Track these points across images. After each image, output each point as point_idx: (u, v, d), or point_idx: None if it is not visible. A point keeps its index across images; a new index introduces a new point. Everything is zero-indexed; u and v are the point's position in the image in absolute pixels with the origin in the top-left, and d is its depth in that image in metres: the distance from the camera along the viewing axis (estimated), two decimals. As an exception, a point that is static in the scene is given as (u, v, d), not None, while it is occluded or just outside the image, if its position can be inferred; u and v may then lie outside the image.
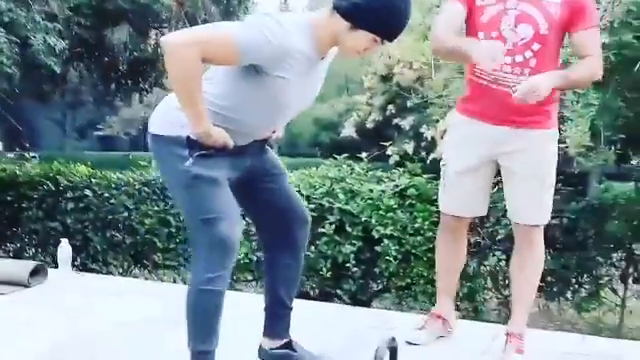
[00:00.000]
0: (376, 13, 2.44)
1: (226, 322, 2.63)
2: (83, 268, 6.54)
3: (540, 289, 6.13)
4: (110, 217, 6.66)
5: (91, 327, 3.55)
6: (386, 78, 22.45)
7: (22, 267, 4.34)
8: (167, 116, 2.62)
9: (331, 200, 5.84)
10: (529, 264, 3.21)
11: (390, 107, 22.16)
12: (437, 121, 22.07)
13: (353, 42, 2.54)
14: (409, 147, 21.24)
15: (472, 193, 3.23)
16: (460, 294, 5.42)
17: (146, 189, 6.75)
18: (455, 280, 3.52)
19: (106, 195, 6.71)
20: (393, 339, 2.56)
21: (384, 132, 22.30)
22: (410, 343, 3.27)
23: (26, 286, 4.16)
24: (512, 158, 3.08)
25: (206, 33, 2.42)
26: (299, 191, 6.07)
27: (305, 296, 5.54)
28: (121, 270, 6.72)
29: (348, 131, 23.30)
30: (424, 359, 3.23)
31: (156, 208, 6.65)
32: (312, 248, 6.04)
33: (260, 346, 2.98)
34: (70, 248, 4.57)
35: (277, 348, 2.96)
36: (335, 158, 6.42)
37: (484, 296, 5.78)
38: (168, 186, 2.77)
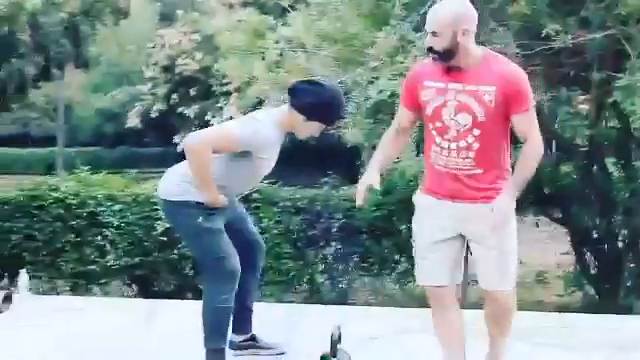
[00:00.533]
0: (323, 109, 3.60)
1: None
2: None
3: (364, 269, 7.42)
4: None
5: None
6: (168, 68, 23.07)
7: None
8: (177, 187, 3.71)
9: None
10: (500, 318, 3.40)
11: (174, 96, 22.71)
12: (221, 108, 22.81)
13: (308, 129, 3.69)
14: (195, 134, 22.10)
15: (442, 263, 3.30)
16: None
17: (6, 207, 7.25)
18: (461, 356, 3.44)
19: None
20: (338, 327, 3.62)
21: (169, 121, 22.88)
22: None
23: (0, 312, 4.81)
24: (473, 231, 3.22)
25: (214, 134, 3.67)
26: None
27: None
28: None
29: (133, 121, 23.52)
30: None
31: (20, 224, 7.16)
32: (175, 251, 6.90)
33: (230, 340, 3.94)
34: (27, 276, 5.23)
35: (244, 340, 3.99)
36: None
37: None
38: (182, 236, 4.02)
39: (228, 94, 20.13)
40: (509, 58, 4.49)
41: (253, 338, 4.10)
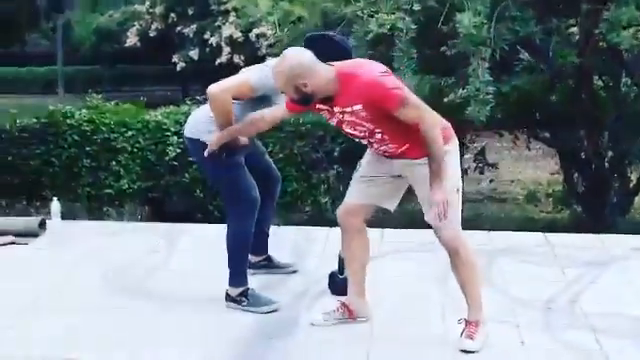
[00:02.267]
0: (334, 61, 3.84)
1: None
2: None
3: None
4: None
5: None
6: (165, -13, 22.96)
7: (31, 221, 5.84)
8: (202, 128, 4.18)
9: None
10: (455, 265, 3.78)
11: (172, 15, 22.69)
12: (219, 27, 22.85)
13: None
14: (194, 54, 22.17)
15: (372, 193, 3.91)
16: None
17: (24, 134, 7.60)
18: (363, 277, 4.08)
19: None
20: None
21: (168, 40, 22.90)
22: (312, 324, 4.08)
23: (37, 235, 5.34)
24: (406, 175, 3.82)
25: (233, 82, 4.06)
26: (168, 129, 7.30)
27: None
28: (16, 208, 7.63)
29: (132, 40, 23.52)
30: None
31: (37, 151, 7.51)
32: (186, 175, 7.30)
33: (249, 261, 4.39)
34: (59, 203, 5.71)
35: (261, 261, 4.48)
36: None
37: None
38: (207, 171, 4.49)
39: (226, 13, 20.21)
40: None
41: (269, 259, 4.65)
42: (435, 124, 3.56)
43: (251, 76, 4.09)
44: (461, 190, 3.79)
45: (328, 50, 3.89)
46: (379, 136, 3.68)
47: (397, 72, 5.78)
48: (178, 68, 22.69)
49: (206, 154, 4.04)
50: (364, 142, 3.83)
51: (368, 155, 3.95)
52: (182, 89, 26.30)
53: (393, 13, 5.92)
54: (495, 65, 5.93)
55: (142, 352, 3.81)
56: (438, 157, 3.54)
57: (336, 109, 3.67)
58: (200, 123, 4.17)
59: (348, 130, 3.75)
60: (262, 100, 4.07)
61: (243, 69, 4.36)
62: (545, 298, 4.40)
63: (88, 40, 25.72)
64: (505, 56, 6.12)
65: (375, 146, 3.78)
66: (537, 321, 4.11)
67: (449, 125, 3.79)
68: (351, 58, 3.98)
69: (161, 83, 27.46)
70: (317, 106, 3.74)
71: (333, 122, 3.79)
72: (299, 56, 3.63)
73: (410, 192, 3.96)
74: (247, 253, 4.29)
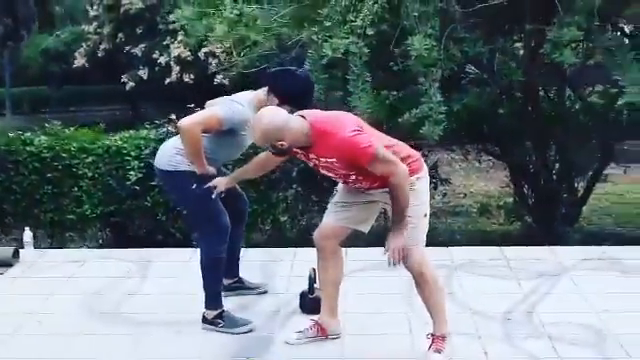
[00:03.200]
0: (296, 96, 4.25)
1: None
2: None
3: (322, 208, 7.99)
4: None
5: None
6: (112, 7, 22.93)
7: (4, 251, 6.01)
8: (172, 159, 4.39)
9: None
10: (423, 291, 4.05)
11: (120, 35, 22.66)
12: (168, 46, 22.85)
13: None
14: (143, 73, 22.16)
15: (347, 217, 4.18)
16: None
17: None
18: (335, 296, 4.34)
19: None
20: (314, 269, 4.28)
21: (117, 60, 22.85)
22: (287, 342, 4.30)
23: (11, 265, 5.48)
24: (380, 199, 4.08)
25: (203, 116, 4.31)
26: (129, 153, 7.38)
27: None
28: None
29: (79, 61, 23.42)
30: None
31: (-1, 178, 7.55)
32: (148, 198, 7.40)
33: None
34: (31, 233, 5.82)
35: (232, 283, 4.66)
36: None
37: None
38: (178, 201, 4.86)
39: (175, 32, 20.25)
40: (450, 16, 5.16)
41: (240, 281, 4.83)
42: (405, 177, 3.79)
43: (219, 110, 4.31)
44: (428, 215, 4.03)
45: (291, 85, 4.13)
46: (353, 178, 3.97)
47: (352, 95, 6.04)
48: (127, 88, 22.65)
49: (216, 192, 4.32)
50: (338, 180, 4.07)
51: (342, 184, 4.19)
52: (131, 108, 26.25)
53: (347, 37, 6.10)
54: (445, 83, 6.18)
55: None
56: (402, 208, 3.80)
57: (311, 156, 3.94)
58: (168, 154, 4.40)
59: (324, 172, 4.03)
60: (230, 133, 4.28)
61: (208, 101, 4.56)
62: (504, 310, 4.67)
63: (35, 61, 25.56)
64: (455, 74, 6.41)
65: (349, 184, 4.05)
66: (497, 332, 4.38)
67: (419, 155, 4.10)
68: (312, 89, 4.23)
69: (110, 103, 27.35)
70: (294, 150, 3.97)
71: (310, 164, 4.07)
72: (274, 118, 3.87)
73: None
74: (221, 277, 4.49)
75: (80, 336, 4.47)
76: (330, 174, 4.03)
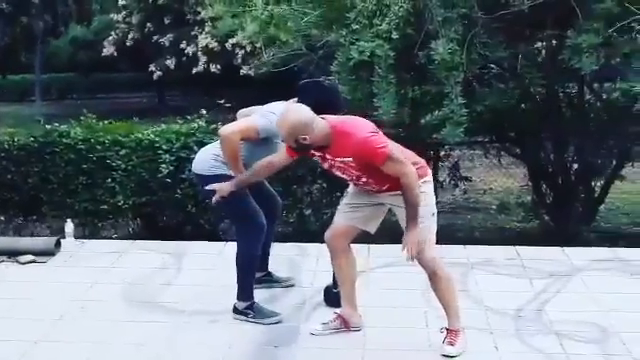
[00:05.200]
0: (325, 106, 4.40)
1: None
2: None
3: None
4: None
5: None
6: (141, -4, 23.26)
7: (48, 241, 6.40)
8: (210, 164, 4.74)
9: (187, 152, 7.37)
10: (437, 288, 4.32)
11: (148, 25, 23.04)
12: (195, 37, 23.14)
13: None
14: (171, 63, 22.50)
15: (356, 217, 4.48)
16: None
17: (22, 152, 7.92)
18: (353, 292, 4.63)
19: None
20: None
21: (144, 49, 23.25)
22: (312, 333, 4.59)
23: (53, 254, 6.09)
24: (387, 202, 4.37)
25: (242, 126, 4.60)
26: (160, 147, 7.61)
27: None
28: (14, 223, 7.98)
29: (108, 50, 23.86)
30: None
31: (35, 169, 7.83)
32: (178, 191, 7.66)
33: (253, 277, 4.93)
34: (72, 224, 6.19)
35: (262, 276, 4.97)
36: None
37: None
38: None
39: (202, 22, 20.56)
40: (473, 21, 5.40)
41: (269, 274, 5.16)
42: (414, 177, 4.08)
43: (257, 121, 4.63)
44: (436, 214, 4.34)
45: (319, 95, 4.42)
46: (364, 180, 4.27)
47: (377, 96, 6.28)
48: (155, 77, 23.04)
49: (214, 200, 4.58)
50: (350, 182, 4.36)
51: (353, 186, 4.49)
52: (158, 96, 26.64)
53: (373, 41, 6.34)
54: (467, 85, 6.41)
55: (166, 356, 4.39)
56: (415, 205, 4.08)
57: (328, 157, 4.25)
58: (207, 160, 4.76)
59: (337, 173, 4.33)
60: (265, 141, 4.60)
61: (241, 110, 4.89)
62: (515, 307, 4.94)
63: (64, 49, 26.05)
64: (476, 77, 6.63)
65: (360, 186, 4.34)
66: (509, 328, 4.66)
67: (424, 162, 4.41)
68: (340, 100, 4.52)
69: (137, 91, 27.79)
70: (312, 152, 4.26)
71: (325, 166, 4.34)
72: (302, 114, 4.17)
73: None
74: (254, 271, 4.81)
75: (121, 322, 4.81)
76: (343, 175, 4.29)
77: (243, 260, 4.72)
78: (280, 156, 4.49)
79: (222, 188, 4.53)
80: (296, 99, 4.65)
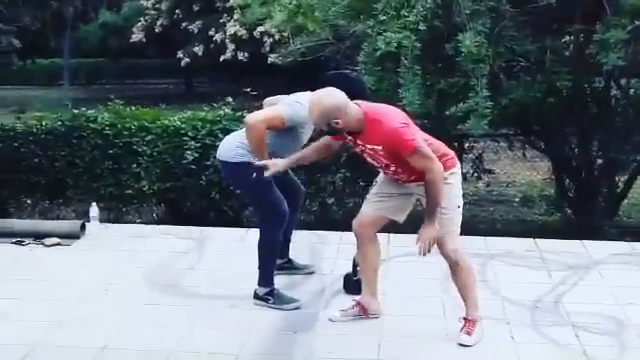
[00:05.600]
0: (349, 97, 4.34)
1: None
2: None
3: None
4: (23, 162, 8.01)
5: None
6: (171, -16, 23.36)
7: (74, 224, 6.56)
8: (235, 151, 4.79)
9: (212, 139, 7.43)
10: (457, 278, 4.38)
11: (177, 11, 23.15)
12: (224, 24, 23.21)
13: None
14: (198, 50, 22.59)
15: (384, 207, 4.51)
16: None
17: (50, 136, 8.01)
18: (375, 280, 4.69)
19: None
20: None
21: (173, 36, 23.36)
22: (330, 319, 4.66)
23: (78, 237, 6.23)
24: (415, 192, 4.41)
25: (268, 114, 4.66)
26: (186, 133, 7.66)
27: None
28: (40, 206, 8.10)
29: (138, 36, 23.99)
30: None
31: (62, 153, 7.92)
32: (203, 177, 7.71)
33: (273, 263, 5.00)
34: (97, 208, 6.27)
35: (282, 263, 5.04)
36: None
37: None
38: (240, 189, 5.30)
39: (231, 10, 20.60)
40: (501, 14, 5.40)
41: (290, 261, 5.23)
42: (440, 174, 4.10)
43: (283, 111, 4.68)
44: (461, 206, 4.37)
45: (346, 87, 4.46)
46: (393, 169, 4.34)
47: (402, 87, 6.30)
48: (182, 64, 23.15)
49: (267, 173, 4.56)
50: (380, 170, 4.40)
51: (382, 176, 4.51)
52: (185, 83, 26.79)
53: (400, 32, 6.36)
54: (494, 78, 6.42)
55: (185, 340, 4.44)
56: (436, 201, 4.12)
57: (359, 142, 4.28)
58: (232, 148, 4.81)
59: (368, 159, 4.36)
60: (291, 130, 4.66)
61: (267, 99, 4.94)
62: (533, 298, 4.98)
63: (94, 34, 26.24)
64: (503, 70, 6.63)
65: (389, 174, 4.36)
66: (525, 319, 4.70)
67: (453, 154, 4.43)
68: (365, 92, 4.56)
69: (164, 77, 27.95)
70: (344, 135, 4.30)
71: (357, 150, 4.37)
72: (334, 97, 4.20)
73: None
74: (275, 258, 4.88)
75: (144, 305, 4.91)
76: (373, 162, 4.33)
77: (265, 247, 4.79)
78: (326, 139, 4.51)
79: (277, 164, 4.51)
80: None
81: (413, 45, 6.27)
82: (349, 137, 4.32)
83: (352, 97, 4.37)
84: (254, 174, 4.57)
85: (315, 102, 4.22)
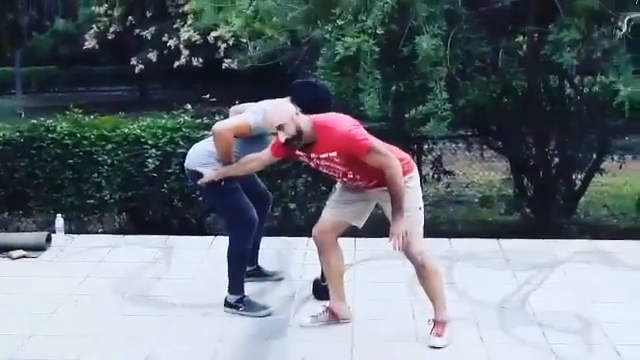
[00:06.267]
0: (315, 105, 4.52)
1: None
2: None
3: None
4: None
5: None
6: (122, -11, 23.15)
7: (39, 236, 6.51)
8: (203, 159, 4.82)
9: (173, 146, 7.42)
10: (424, 280, 4.43)
11: (130, 18, 22.97)
12: (177, 30, 23.04)
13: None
14: (153, 56, 22.44)
15: (344, 212, 4.58)
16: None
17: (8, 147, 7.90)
18: (342, 285, 4.73)
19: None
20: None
21: (126, 43, 23.16)
22: (301, 325, 4.71)
23: (44, 249, 6.21)
24: (374, 197, 4.49)
25: (235, 123, 4.69)
26: (147, 142, 7.62)
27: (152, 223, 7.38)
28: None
29: (90, 43, 23.75)
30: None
31: (22, 164, 7.82)
32: (165, 185, 7.68)
33: (242, 271, 5.01)
34: (62, 219, 6.21)
35: (251, 270, 5.07)
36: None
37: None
38: (208, 197, 5.18)
39: (184, 15, 20.51)
40: (457, 17, 5.49)
41: (258, 268, 5.25)
42: (398, 168, 4.17)
43: (250, 119, 4.71)
44: (422, 208, 4.46)
45: (310, 95, 4.52)
46: (350, 176, 4.37)
47: (362, 91, 6.35)
48: (136, 70, 22.97)
49: (200, 183, 4.69)
50: (337, 180, 4.45)
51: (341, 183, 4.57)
52: (139, 90, 26.58)
53: (358, 36, 6.39)
54: (451, 80, 6.50)
55: (158, 350, 4.43)
56: (399, 197, 4.16)
57: (313, 155, 4.34)
58: (200, 157, 4.82)
59: (324, 171, 4.42)
60: (258, 137, 4.67)
61: (234, 106, 4.96)
62: (499, 299, 5.07)
63: (45, 42, 25.89)
64: (459, 72, 6.72)
65: (347, 182, 4.41)
66: (493, 319, 4.78)
67: (409, 157, 4.52)
68: (330, 100, 4.61)
69: (118, 84, 27.71)
70: (297, 152, 4.35)
71: (311, 165, 4.44)
72: (287, 107, 4.36)
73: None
74: (245, 266, 4.90)
75: (114, 316, 4.90)
76: (330, 172, 4.39)
77: (234, 254, 4.81)
78: (263, 155, 4.61)
79: (207, 174, 4.67)
80: (289, 98, 4.73)
81: (371, 49, 6.29)
82: (302, 153, 4.37)
83: (317, 105, 4.41)
84: (222, 182, 4.60)
85: (270, 112, 4.35)
